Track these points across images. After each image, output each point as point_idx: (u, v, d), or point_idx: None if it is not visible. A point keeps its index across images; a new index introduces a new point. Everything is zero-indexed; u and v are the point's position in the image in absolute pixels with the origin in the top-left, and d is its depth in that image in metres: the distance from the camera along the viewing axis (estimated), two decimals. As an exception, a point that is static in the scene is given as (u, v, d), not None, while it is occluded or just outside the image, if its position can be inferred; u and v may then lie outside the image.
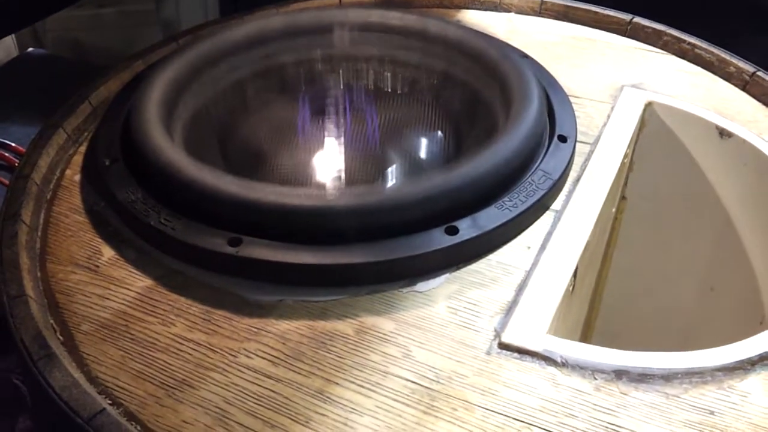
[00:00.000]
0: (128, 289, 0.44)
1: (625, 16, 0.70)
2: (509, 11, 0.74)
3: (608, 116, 0.59)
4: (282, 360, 0.40)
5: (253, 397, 0.38)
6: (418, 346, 0.41)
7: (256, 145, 0.58)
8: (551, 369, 0.39)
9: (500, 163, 0.47)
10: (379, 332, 0.41)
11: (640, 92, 0.62)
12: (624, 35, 0.70)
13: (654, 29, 0.68)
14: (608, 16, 0.71)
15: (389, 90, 0.63)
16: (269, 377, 0.39)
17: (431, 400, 0.38)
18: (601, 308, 0.69)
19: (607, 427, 0.37)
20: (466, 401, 0.38)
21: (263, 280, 0.44)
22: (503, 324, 0.42)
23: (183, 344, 0.41)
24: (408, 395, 0.38)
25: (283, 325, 0.42)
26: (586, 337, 0.69)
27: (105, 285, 0.44)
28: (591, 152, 0.55)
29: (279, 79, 0.61)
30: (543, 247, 0.47)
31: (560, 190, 0.51)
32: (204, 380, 0.39)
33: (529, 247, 0.47)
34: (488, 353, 0.40)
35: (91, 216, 0.49)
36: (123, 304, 0.43)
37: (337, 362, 0.40)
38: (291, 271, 0.43)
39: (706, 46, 0.65)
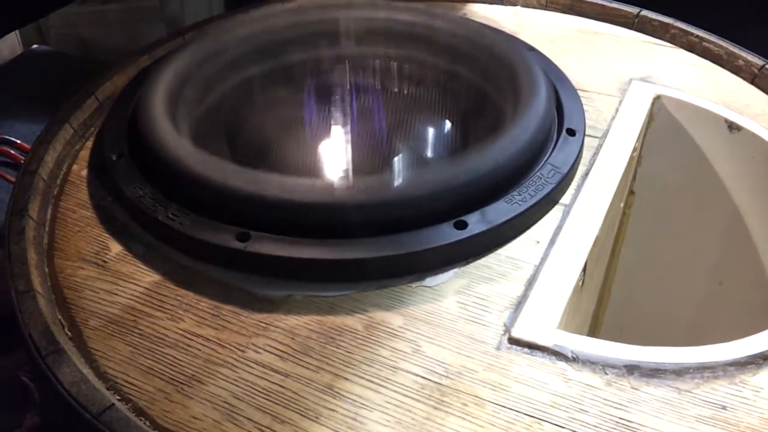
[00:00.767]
0: (136, 284, 0.44)
1: (633, 9, 0.69)
2: (515, 5, 0.73)
3: (616, 110, 0.59)
4: (291, 355, 0.40)
5: (262, 393, 0.38)
6: (427, 341, 0.40)
7: (264, 140, 0.58)
8: (562, 364, 0.39)
9: (509, 157, 0.47)
10: (388, 327, 0.41)
11: (648, 86, 0.61)
12: (631, 28, 0.69)
13: (661, 22, 0.68)
14: (615, 9, 0.70)
15: (396, 84, 0.63)
16: (278, 372, 0.39)
17: (441, 395, 0.38)
18: (609, 303, 0.69)
19: (618, 423, 0.36)
20: (477, 396, 0.38)
21: (271, 275, 0.43)
22: (513, 319, 0.41)
23: (192, 339, 0.41)
24: (418, 390, 0.38)
25: (292, 320, 0.42)
26: (594, 331, 0.68)
27: (113, 280, 0.44)
28: (600, 146, 0.54)
29: (286, 74, 0.60)
30: (552, 242, 0.46)
31: (569, 184, 0.50)
32: (213, 375, 0.39)
33: (538, 242, 0.46)
34: (498, 348, 0.40)
35: (98, 211, 0.49)
36: (131, 299, 0.43)
37: (346, 357, 0.40)
38: (299, 266, 0.43)
39: (715, 39, 0.65)
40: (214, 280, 0.44)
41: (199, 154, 0.46)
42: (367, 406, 0.37)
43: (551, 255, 0.45)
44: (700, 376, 0.39)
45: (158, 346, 0.40)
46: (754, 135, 0.57)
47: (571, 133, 0.52)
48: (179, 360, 0.40)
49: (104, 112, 0.57)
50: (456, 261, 0.45)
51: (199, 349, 0.40)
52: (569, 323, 0.46)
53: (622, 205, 0.63)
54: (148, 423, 0.36)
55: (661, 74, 0.63)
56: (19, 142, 0.95)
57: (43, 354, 0.38)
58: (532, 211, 0.47)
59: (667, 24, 0.67)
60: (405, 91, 0.63)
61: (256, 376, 0.39)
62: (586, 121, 0.55)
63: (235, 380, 0.39)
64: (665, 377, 0.39)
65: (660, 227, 0.66)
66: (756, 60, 0.62)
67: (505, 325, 0.41)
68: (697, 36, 0.66)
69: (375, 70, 0.62)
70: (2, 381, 0.73)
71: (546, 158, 0.50)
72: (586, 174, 0.52)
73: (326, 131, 0.59)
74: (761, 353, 0.40)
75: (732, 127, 0.58)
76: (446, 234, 0.44)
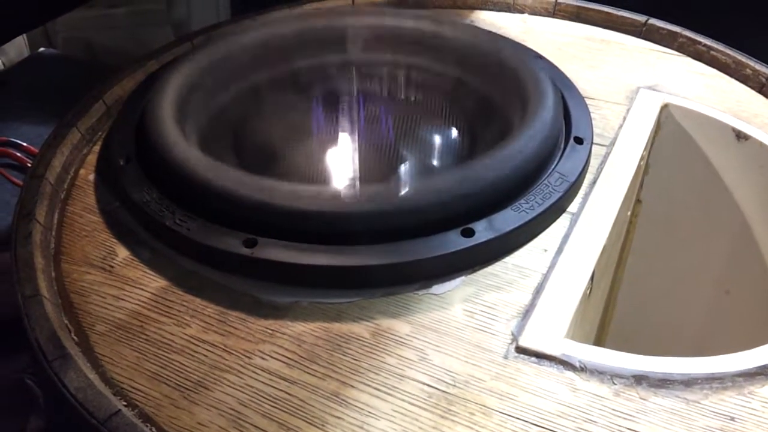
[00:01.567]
0: (143, 289, 0.44)
1: (640, 18, 0.69)
2: (522, 12, 0.73)
3: (624, 118, 0.58)
4: (297, 362, 0.40)
5: (269, 400, 0.38)
6: (434, 350, 0.40)
7: (271, 146, 0.58)
8: (569, 373, 0.39)
9: (517, 165, 0.47)
10: (395, 335, 0.41)
11: (655, 94, 0.61)
12: (638, 36, 0.69)
13: (669, 30, 0.68)
14: (622, 17, 0.70)
15: (403, 92, 0.63)
16: (284, 379, 0.39)
17: (448, 404, 0.37)
18: (615, 311, 0.69)
19: (626, 433, 0.36)
20: (484, 406, 0.37)
21: (278, 282, 0.43)
22: (520, 328, 0.41)
23: (198, 345, 0.41)
24: (425, 399, 0.38)
25: (299, 327, 0.42)
26: (600, 340, 0.68)
27: (120, 285, 0.44)
28: (607, 154, 0.54)
29: (293, 80, 0.60)
30: (560, 251, 0.46)
31: (577, 192, 0.50)
32: (219, 382, 0.39)
33: (545, 250, 0.46)
34: (505, 357, 0.40)
35: (105, 216, 0.49)
36: (138, 304, 0.43)
37: (353, 365, 0.40)
38: (306, 272, 0.43)
39: (723, 48, 0.65)
40: (221, 286, 0.44)
41: (207, 159, 0.46)
42: (373, 414, 0.37)
43: (559, 263, 0.45)
44: (709, 386, 0.38)
45: (165, 351, 0.40)
46: (761, 144, 0.57)
47: (579, 141, 0.52)
48: (186, 366, 0.40)
49: (112, 116, 0.57)
50: (463, 269, 0.45)
51: (205, 355, 0.40)
52: (576, 332, 0.45)
53: (629, 213, 0.62)
54: (154, 429, 0.36)
55: (668, 83, 0.63)
56: (25, 144, 0.95)
57: (49, 359, 0.38)
58: (540, 220, 0.47)
59: (675, 32, 0.67)
60: (412, 99, 0.62)
61: (263, 383, 0.39)
62: (594, 129, 0.55)
63: (241, 387, 0.38)
64: (673, 388, 0.38)
65: (667, 236, 0.66)
66: (764, 69, 0.62)
67: (512, 334, 0.41)
68: (704, 45, 0.66)
69: (382, 77, 0.62)
70: (6, 384, 0.73)
71: (553, 166, 0.50)
72: (594, 182, 0.52)
73: (333, 138, 0.59)
74: (770, 364, 0.39)
75: (740, 136, 0.58)
76: (453, 242, 0.44)
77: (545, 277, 0.44)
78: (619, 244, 0.63)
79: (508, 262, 0.45)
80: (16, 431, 0.68)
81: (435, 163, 0.60)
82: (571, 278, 0.44)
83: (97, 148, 0.55)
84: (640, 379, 0.38)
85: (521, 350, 0.40)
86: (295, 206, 0.43)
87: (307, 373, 0.39)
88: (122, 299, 0.43)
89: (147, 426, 0.36)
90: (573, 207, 0.49)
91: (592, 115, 0.56)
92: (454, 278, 0.44)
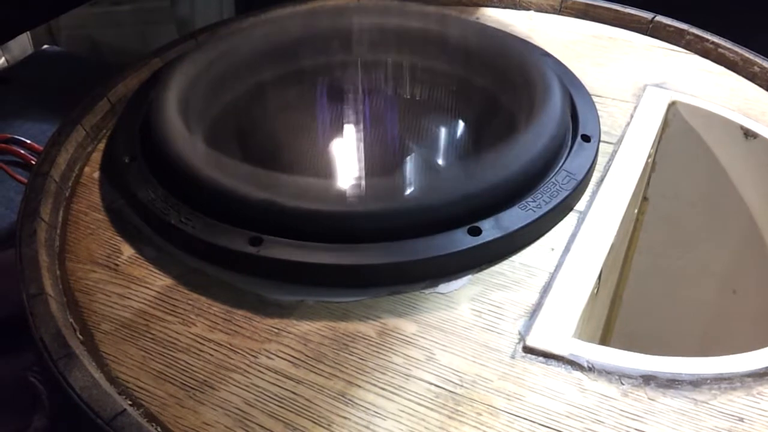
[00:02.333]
0: (148, 288, 0.44)
1: (647, 15, 0.69)
2: (529, 9, 0.73)
3: (631, 116, 0.58)
4: (303, 361, 0.39)
5: (275, 399, 0.38)
6: (441, 349, 0.40)
7: (276, 144, 0.58)
8: (577, 374, 0.39)
9: (524, 163, 0.47)
10: (401, 334, 0.41)
11: (663, 92, 0.61)
12: (645, 34, 0.69)
13: (676, 28, 0.67)
14: (629, 14, 0.70)
15: (409, 89, 0.62)
16: (290, 379, 0.39)
17: (455, 404, 0.37)
18: (620, 310, 0.69)
19: (634, 434, 0.36)
20: (491, 406, 0.37)
21: (284, 280, 0.43)
22: (528, 327, 0.41)
23: (204, 344, 0.40)
24: (432, 399, 0.38)
25: (304, 326, 0.41)
26: (605, 339, 0.68)
27: (125, 284, 0.44)
28: (614, 152, 0.54)
29: (298, 77, 0.60)
30: (567, 249, 0.46)
31: (584, 190, 0.50)
32: (225, 381, 0.38)
33: (553, 249, 0.46)
34: (513, 357, 0.40)
35: (110, 214, 0.49)
36: (143, 303, 0.43)
37: (359, 364, 0.39)
38: (312, 271, 0.43)
39: (730, 46, 0.64)
40: (227, 285, 0.44)
41: (213, 157, 0.46)
42: (380, 414, 0.37)
43: (566, 262, 0.45)
44: (717, 387, 0.38)
45: (170, 350, 0.40)
46: (770, 142, 0.56)
47: (586, 139, 0.52)
48: (191, 365, 0.39)
49: (117, 114, 0.57)
50: (470, 268, 0.44)
51: (211, 354, 0.40)
52: (583, 332, 0.45)
53: (635, 211, 0.62)
54: (159, 429, 0.36)
55: (675, 80, 0.62)
56: (29, 142, 0.95)
57: (54, 358, 0.38)
58: (547, 218, 0.46)
59: (682, 30, 0.67)
60: (418, 96, 0.62)
61: (269, 382, 0.38)
62: (601, 126, 0.55)
63: (247, 386, 0.38)
64: (682, 388, 0.38)
65: (673, 234, 0.66)
66: (772, 67, 0.62)
67: (519, 334, 0.41)
68: (712, 42, 0.65)
69: (387, 74, 0.62)
70: (10, 382, 0.73)
71: (561, 164, 0.50)
72: (601, 180, 0.51)
73: (339, 136, 0.58)
74: (780, 365, 0.39)
75: (748, 134, 0.58)
76: (460, 240, 0.44)
77: (552, 276, 0.44)
78: (626, 243, 0.63)
79: (515, 261, 0.45)
80: (20, 429, 0.68)
81: (441, 161, 0.60)
82: (579, 277, 0.44)
83: (101, 145, 0.55)
84: (648, 380, 0.38)
85: (529, 350, 0.40)
86: (302, 205, 0.43)
87: (314, 372, 0.39)
88: (127, 298, 0.43)
89: (152, 425, 0.36)
90: (580, 205, 0.49)
91: (600, 112, 0.56)
92: (460, 277, 0.44)
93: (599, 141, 0.53)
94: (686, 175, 0.63)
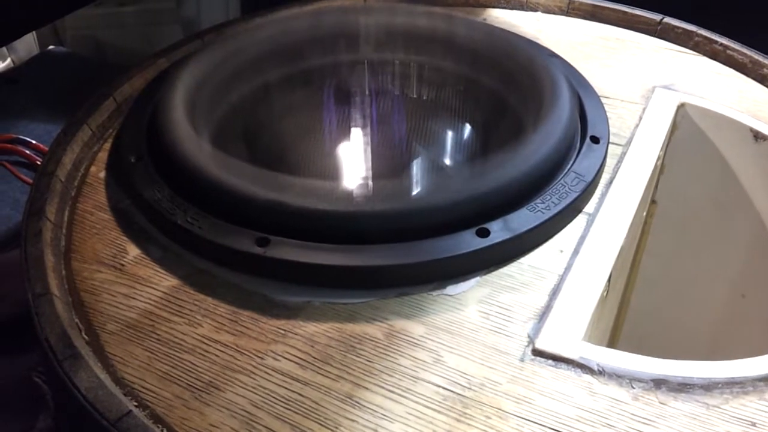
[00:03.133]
0: (154, 288, 0.43)
1: (655, 16, 0.68)
2: (536, 10, 0.73)
3: (640, 117, 0.58)
4: (310, 363, 0.39)
5: (281, 401, 0.37)
6: (449, 351, 0.40)
7: (283, 145, 0.57)
8: (587, 377, 0.38)
9: (533, 164, 0.46)
10: (409, 336, 0.41)
11: (672, 93, 0.60)
12: (654, 35, 0.68)
13: (684, 29, 0.67)
14: (637, 15, 0.69)
15: (416, 90, 0.62)
16: (297, 380, 0.38)
17: (463, 407, 0.37)
18: (629, 313, 0.68)
19: (645, 438, 0.35)
20: (500, 409, 0.37)
21: (291, 281, 0.43)
22: (537, 330, 0.41)
23: (210, 345, 0.40)
24: (440, 402, 0.37)
25: (311, 328, 0.41)
26: (613, 343, 0.67)
27: (130, 284, 0.44)
28: (623, 154, 0.54)
29: (305, 77, 0.60)
30: (576, 251, 0.45)
31: (593, 192, 0.50)
32: (231, 383, 0.38)
33: (561, 251, 0.46)
34: (522, 360, 0.39)
35: (116, 214, 0.49)
36: (149, 303, 0.42)
37: (367, 366, 0.39)
38: (319, 272, 0.42)
39: (739, 48, 0.64)
40: (233, 285, 0.43)
41: (219, 157, 0.46)
42: (387, 417, 0.36)
43: (575, 265, 0.44)
44: (729, 391, 0.38)
45: (176, 351, 0.40)
46: (780, 145, 0.56)
47: (595, 140, 0.52)
48: (197, 366, 0.39)
49: (123, 113, 0.57)
50: (478, 269, 0.44)
51: (217, 356, 0.40)
52: (592, 335, 0.45)
53: (644, 214, 0.62)
54: (165, 430, 0.36)
55: (684, 82, 0.62)
56: (34, 142, 0.95)
57: (59, 358, 0.38)
58: (556, 220, 0.46)
59: (691, 31, 0.66)
60: (425, 97, 0.62)
61: (275, 383, 0.38)
62: (610, 128, 0.54)
63: (253, 388, 0.38)
64: (693, 392, 0.38)
65: (682, 237, 0.65)
66: (782, 69, 0.61)
67: (528, 336, 0.40)
68: (721, 44, 0.65)
69: (394, 75, 0.62)
70: (15, 382, 0.73)
71: (570, 166, 0.49)
72: (610, 182, 0.51)
73: (346, 137, 0.58)
74: (792, 369, 0.39)
75: (758, 136, 0.57)
76: (468, 242, 0.43)
77: (561, 279, 0.44)
78: (634, 246, 0.62)
79: (523, 263, 0.45)
80: (24, 430, 0.68)
81: (449, 162, 0.59)
82: (588, 280, 0.43)
83: (107, 145, 0.55)
84: (659, 383, 0.38)
85: (538, 353, 0.39)
86: (309, 206, 0.43)
87: (320, 374, 0.39)
88: (133, 298, 0.43)
89: (158, 427, 0.36)
90: (589, 207, 0.49)
91: (608, 114, 0.55)
92: (468, 279, 0.44)
93: (608, 143, 0.52)
94: (695, 178, 0.62)
